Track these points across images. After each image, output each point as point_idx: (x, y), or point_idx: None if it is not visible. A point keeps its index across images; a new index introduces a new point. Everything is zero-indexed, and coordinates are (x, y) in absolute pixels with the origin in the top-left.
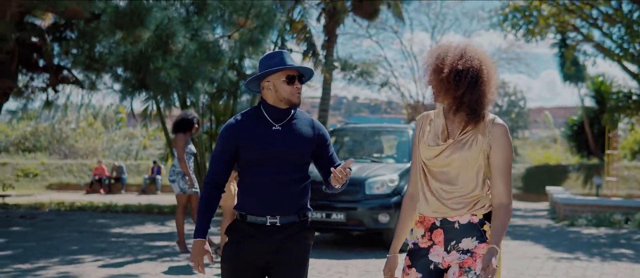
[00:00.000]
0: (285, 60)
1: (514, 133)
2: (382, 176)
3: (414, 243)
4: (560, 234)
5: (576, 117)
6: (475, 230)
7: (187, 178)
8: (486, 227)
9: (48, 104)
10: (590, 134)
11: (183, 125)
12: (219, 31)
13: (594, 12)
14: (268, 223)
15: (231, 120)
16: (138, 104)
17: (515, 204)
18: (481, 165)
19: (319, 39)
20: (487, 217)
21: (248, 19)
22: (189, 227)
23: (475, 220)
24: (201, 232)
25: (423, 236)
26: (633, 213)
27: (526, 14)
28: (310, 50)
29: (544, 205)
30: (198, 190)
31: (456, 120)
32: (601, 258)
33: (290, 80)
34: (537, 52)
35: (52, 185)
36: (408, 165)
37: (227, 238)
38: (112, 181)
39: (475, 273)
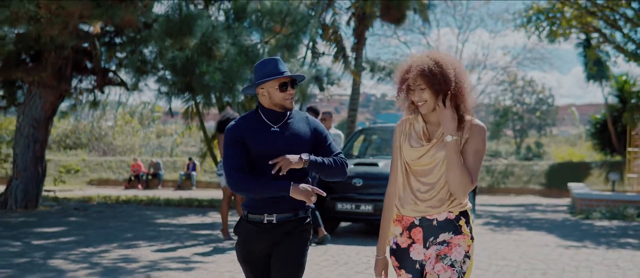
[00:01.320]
0: (278, 68)
1: (541, 130)
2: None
3: (395, 243)
4: (574, 226)
5: (599, 115)
6: (452, 225)
7: None
8: (462, 222)
9: (94, 104)
10: (613, 132)
11: (227, 125)
12: (255, 36)
13: (615, 15)
14: (265, 221)
15: (232, 123)
16: (178, 104)
17: (538, 200)
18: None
19: (348, 41)
20: (463, 213)
21: (284, 26)
22: (232, 218)
23: (452, 216)
24: (278, 186)
25: (401, 234)
26: None
27: (549, 15)
28: (341, 53)
29: (566, 201)
30: None
31: (434, 122)
32: (607, 246)
33: (282, 87)
34: (567, 48)
35: (92, 181)
36: None
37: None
38: (150, 177)
39: (450, 258)
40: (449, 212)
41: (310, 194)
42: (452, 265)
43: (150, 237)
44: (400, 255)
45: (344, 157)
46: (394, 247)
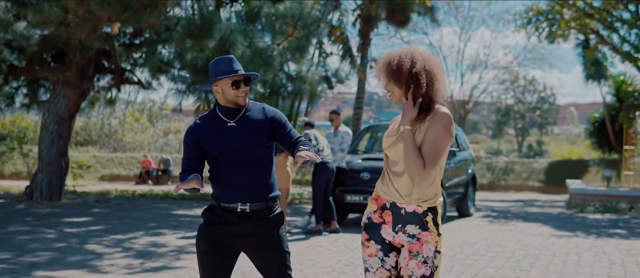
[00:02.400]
0: (231, 66)
1: (543, 129)
2: None
3: (368, 218)
4: (568, 219)
5: (598, 114)
6: (419, 219)
7: None
8: (428, 218)
9: (110, 101)
10: (611, 131)
11: None
12: (268, 39)
13: (612, 17)
14: (239, 210)
15: (191, 125)
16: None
17: (537, 196)
18: None
19: (354, 41)
20: (431, 209)
21: (296, 30)
22: None
23: (420, 210)
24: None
25: (375, 212)
26: (637, 201)
27: (549, 17)
28: (347, 53)
29: (564, 197)
30: None
31: (412, 114)
32: (596, 236)
33: (236, 85)
34: (568, 47)
35: (104, 176)
36: None
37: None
38: (160, 173)
39: (422, 256)
40: (418, 205)
41: (198, 182)
42: (425, 262)
43: (173, 226)
44: (371, 229)
45: (304, 140)
46: (367, 221)
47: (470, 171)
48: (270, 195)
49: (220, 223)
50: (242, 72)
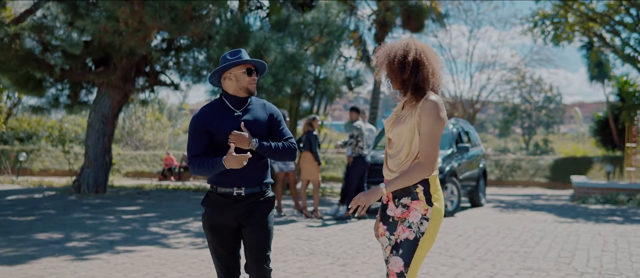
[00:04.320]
0: (245, 56)
1: (549, 128)
2: None
3: (381, 201)
4: (571, 208)
5: (602, 113)
6: (410, 191)
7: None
8: (418, 189)
9: (144, 102)
10: (614, 129)
11: None
12: (294, 44)
13: (613, 21)
14: (235, 194)
15: (198, 112)
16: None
17: (543, 191)
18: (413, 137)
19: (370, 46)
20: (422, 182)
21: (322, 36)
22: (286, 202)
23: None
24: (218, 161)
25: (386, 195)
26: (635, 194)
27: (554, 21)
28: (365, 56)
29: (569, 192)
30: (293, 168)
31: (407, 100)
32: (595, 222)
33: (249, 72)
34: (574, 47)
35: (128, 173)
36: (448, 151)
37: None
38: (181, 170)
39: (408, 221)
40: None
41: (240, 159)
42: (409, 227)
43: None
44: (383, 210)
45: (294, 141)
46: (381, 203)
47: (481, 165)
48: (265, 181)
49: (217, 207)
50: (252, 59)
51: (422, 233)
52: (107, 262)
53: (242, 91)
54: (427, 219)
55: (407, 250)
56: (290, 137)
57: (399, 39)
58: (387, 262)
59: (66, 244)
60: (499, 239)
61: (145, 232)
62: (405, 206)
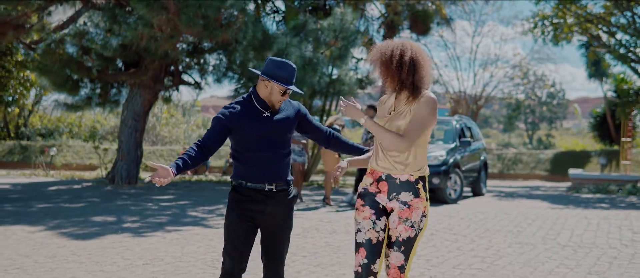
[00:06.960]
0: (291, 79)
1: (552, 123)
2: (434, 152)
3: (364, 188)
4: (564, 197)
5: (600, 109)
6: (412, 186)
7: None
8: (420, 186)
9: (167, 100)
10: (611, 124)
11: None
12: (310, 48)
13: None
14: (266, 189)
15: (224, 109)
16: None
17: (542, 183)
18: None
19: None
20: (422, 178)
21: (337, 40)
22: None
23: (412, 179)
24: (174, 165)
25: (371, 184)
26: (625, 184)
27: (553, 22)
28: None
29: (567, 184)
30: (305, 160)
31: (402, 98)
32: (584, 208)
33: (284, 93)
34: (574, 47)
35: (147, 167)
36: (452, 145)
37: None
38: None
39: (410, 221)
40: (410, 175)
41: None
42: (412, 226)
43: None
44: (367, 196)
45: (336, 132)
46: (362, 191)
47: (482, 158)
48: (288, 178)
49: (248, 199)
50: (295, 88)
51: (420, 229)
52: (163, 238)
53: (270, 103)
54: (425, 216)
55: (408, 247)
56: (330, 129)
57: (404, 35)
58: (369, 241)
59: (122, 225)
60: (496, 221)
61: (186, 216)
62: (406, 204)
